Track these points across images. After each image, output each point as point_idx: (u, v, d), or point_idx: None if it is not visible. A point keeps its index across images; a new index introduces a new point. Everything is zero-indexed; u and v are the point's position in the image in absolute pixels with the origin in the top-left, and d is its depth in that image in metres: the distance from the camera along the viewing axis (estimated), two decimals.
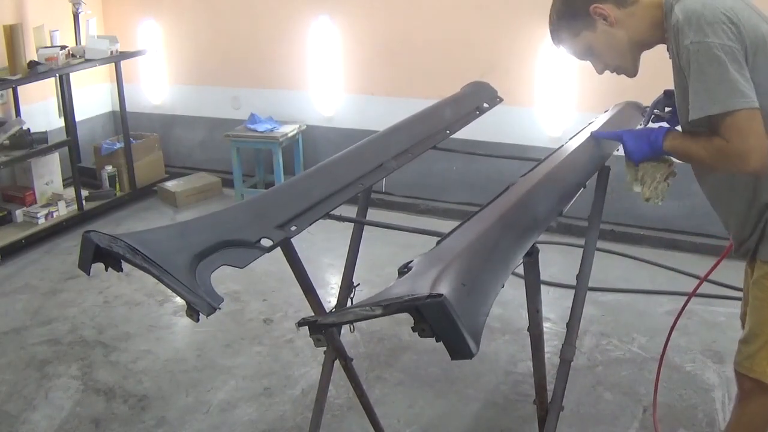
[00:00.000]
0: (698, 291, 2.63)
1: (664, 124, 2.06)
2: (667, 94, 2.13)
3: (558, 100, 4.59)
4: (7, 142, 4.59)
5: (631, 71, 1.96)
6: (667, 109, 2.16)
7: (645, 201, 2.02)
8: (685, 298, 3.69)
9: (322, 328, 1.27)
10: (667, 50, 1.87)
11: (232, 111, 5.61)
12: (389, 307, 1.13)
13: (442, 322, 1.09)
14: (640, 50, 1.93)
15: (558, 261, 4.07)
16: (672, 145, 1.89)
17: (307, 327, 1.26)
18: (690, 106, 1.72)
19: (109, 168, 5.34)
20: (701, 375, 3.15)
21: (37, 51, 4.84)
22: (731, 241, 2.08)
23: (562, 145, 2.21)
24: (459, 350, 1.10)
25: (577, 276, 2.14)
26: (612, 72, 1.98)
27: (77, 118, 5.09)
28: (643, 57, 1.94)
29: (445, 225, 4.22)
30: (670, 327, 2.65)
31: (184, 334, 3.65)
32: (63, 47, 4.97)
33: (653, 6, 1.84)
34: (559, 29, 1.94)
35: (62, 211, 4.92)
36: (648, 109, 2.21)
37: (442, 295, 1.09)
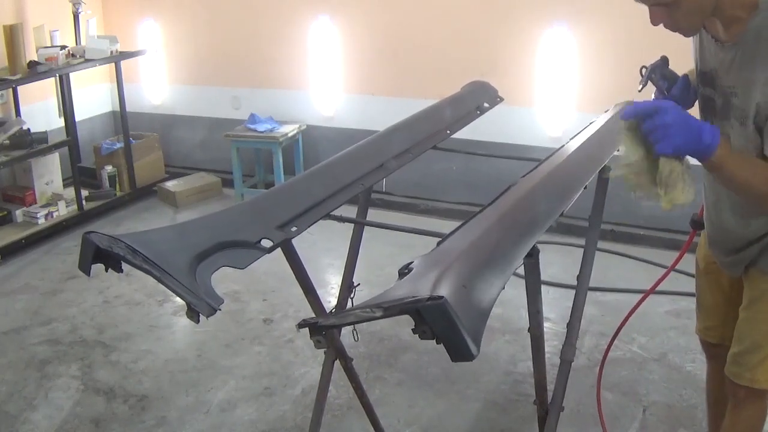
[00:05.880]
0: None
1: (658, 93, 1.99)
2: (664, 60, 2.01)
3: (558, 100, 4.59)
4: (7, 142, 4.59)
5: (693, 33, 1.74)
6: (662, 82, 2.02)
7: (669, 208, 1.58)
8: (685, 297, 3.74)
9: (323, 329, 1.27)
10: (713, 31, 1.72)
11: (232, 111, 5.60)
12: (390, 309, 1.13)
13: (442, 325, 1.09)
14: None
15: (558, 261, 4.07)
16: (722, 158, 1.55)
17: (307, 328, 1.26)
18: None
19: (109, 168, 5.34)
20: (701, 375, 3.13)
21: (37, 51, 4.84)
22: (713, 249, 2.05)
23: (563, 146, 2.21)
24: (460, 352, 1.10)
25: (578, 276, 2.13)
26: (668, 28, 1.68)
27: (77, 118, 5.09)
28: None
29: (446, 225, 4.22)
30: (624, 319, 2.56)
31: (184, 334, 3.65)
32: (63, 47, 4.97)
33: None
34: None
35: (62, 211, 4.92)
36: (645, 70, 2.03)
37: (443, 297, 1.09)
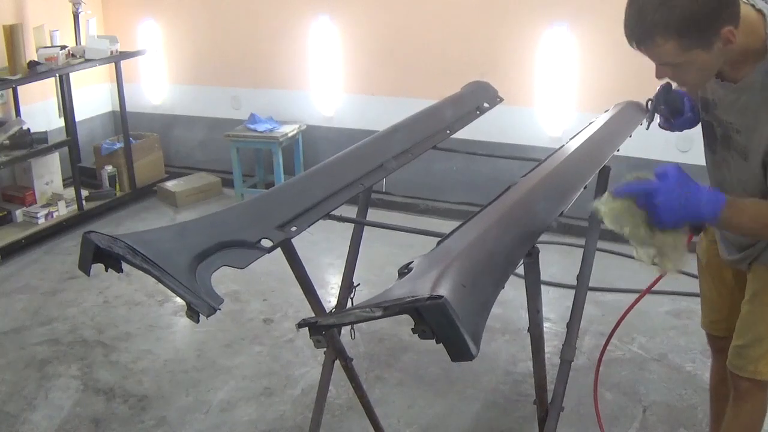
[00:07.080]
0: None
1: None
2: (666, 88, 2.04)
3: (558, 100, 4.59)
4: (7, 142, 4.58)
5: (699, 89, 1.83)
6: (664, 108, 2.06)
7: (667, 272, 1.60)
8: (686, 297, 3.74)
9: (323, 329, 1.27)
10: (724, 80, 1.73)
11: (232, 111, 5.60)
12: (389, 308, 1.13)
13: (442, 324, 1.08)
14: None
15: (558, 261, 4.07)
16: (726, 219, 1.58)
17: (307, 328, 1.26)
18: None
19: (109, 168, 5.34)
20: (701, 375, 3.15)
21: (37, 51, 4.84)
22: (721, 246, 2.06)
23: (563, 146, 2.21)
24: (459, 352, 1.10)
25: (578, 276, 2.13)
26: (674, 81, 1.77)
27: (77, 118, 5.08)
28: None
29: (445, 225, 4.22)
30: (616, 322, 2.56)
31: (184, 334, 3.65)
32: (63, 47, 4.96)
33: (749, 31, 1.61)
34: (665, 37, 1.53)
35: (62, 211, 4.92)
36: (650, 104, 2.08)
37: (443, 296, 1.09)
